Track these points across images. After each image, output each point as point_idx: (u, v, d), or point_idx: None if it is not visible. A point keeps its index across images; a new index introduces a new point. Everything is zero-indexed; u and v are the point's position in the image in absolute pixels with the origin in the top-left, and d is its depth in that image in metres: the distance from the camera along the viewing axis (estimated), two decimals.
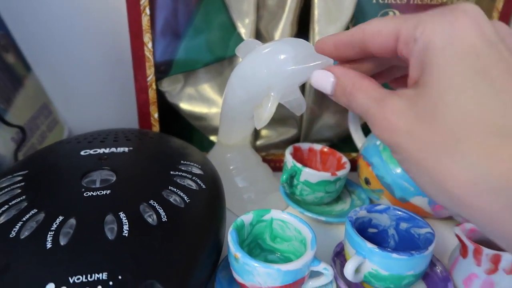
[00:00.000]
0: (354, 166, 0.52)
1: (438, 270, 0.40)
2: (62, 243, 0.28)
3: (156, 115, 0.53)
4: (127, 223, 0.30)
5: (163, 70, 0.53)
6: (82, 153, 0.39)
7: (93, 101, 0.68)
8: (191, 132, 0.58)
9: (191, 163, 0.40)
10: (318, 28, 0.52)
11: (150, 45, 0.49)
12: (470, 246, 0.36)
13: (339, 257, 0.41)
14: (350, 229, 0.36)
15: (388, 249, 0.34)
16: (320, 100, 0.57)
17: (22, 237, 0.29)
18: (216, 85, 0.56)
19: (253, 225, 0.38)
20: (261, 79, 0.40)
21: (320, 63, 0.39)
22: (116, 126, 0.50)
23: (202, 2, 0.51)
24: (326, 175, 0.45)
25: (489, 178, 0.19)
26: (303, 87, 0.56)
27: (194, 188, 0.37)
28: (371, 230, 0.41)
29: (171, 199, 0.34)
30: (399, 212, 0.40)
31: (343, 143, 0.61)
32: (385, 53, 0.25)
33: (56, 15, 0.60)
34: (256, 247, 0.39)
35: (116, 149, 0.40)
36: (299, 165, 0.46)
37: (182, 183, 0.37)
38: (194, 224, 0.34)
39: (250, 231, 0.38)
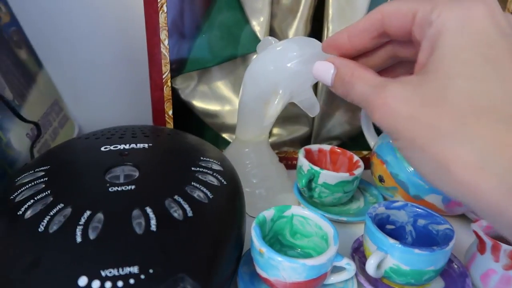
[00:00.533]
0: (365, 164, 0.52)
1: (455, 266, 0.40)
2: (91, 237, 0.28)
3: (170, 112, 0.53)
4: (154, 218, 0.30)
5: (176, 68, 0.53)
6: (102, 149, 0.39)
7: (102, 98, 0.68)
8: (204, 129, 0.59)
9: (210, 160, 0.40)
10: (332, 27, 0.53)
11: (166, 42, 0.49)
12: (488, 242, 0.37)
13: (357, 253, 0.41)
14: (371, 225, 0.36)
15: (410, 245, 0.34)
16: (331, 99, 0.58)
17: (51, 232, 0.29)
18: (230, 82, 0.56)
19: (274, 221, 0.38)
20: (268, 75, 0.41)
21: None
22: (126, 123, 0.50)
23: (216, 0, 0.51)
24: (344, 176, 0.46)
25: (496, 162, 0.19)
26: (315, 87, 0.57)
27: (216, 184, 0.37)
28: (389, 226, 0.41)
29: (194, 195, 0.34)
30: (417, 209, 0.40)
31: (354, 141, 0.61)
32: (402, 34, 0.25)
33: (67, 11, 0.60)
34: (276, 243, 0.40)
35: (136, 145, 0.40)
36: (316, 168, 0.46)
37: (204, 179, 0.37)
38: (218, 219, 0.34)
39: (271, 226, 0.38)
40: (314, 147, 0.52)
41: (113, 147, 0.40)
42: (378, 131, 0.55)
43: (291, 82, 0.40)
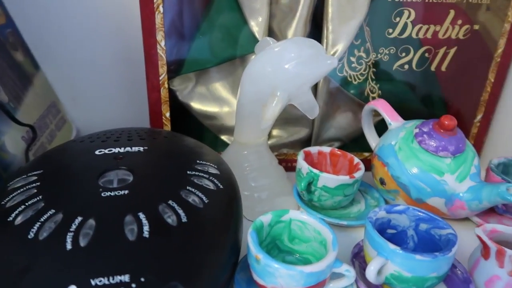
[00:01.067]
0: (366, 166, 0.52)
1: (459, 272, 0.39)
2: (82, 244, 0.28)
3: (167, 114, 0.53)
4: (147, 224, 0.30)
5: (174, 69, 0.52)
6: (96, 152, 0.39)
7: (101, 100, 0.67)
8: (202, 131, 0.58)
9: (207, 163, 0.40)
10: (331, 27, 0.52)
11: (163, 43, 0.48)
12: (493, 247, 0.36)
13: (357, 258, 0.40)
14: (372, 230, 0.35)
15: (411, 251, 0.33)
16: (332, 100, 0.57)
17: (41, 238, 0.28)
18: (228, 84, 0.55)
19: (272, 226, 0.37)
20: (266, 77, 0.40)
21: (328, 63, 0.39)
22: (124, 125, 0.49)
23: (214, 0, 0.50)
24: (344, 179, 0.45)
25: None
26: (315, 88, 0.56)
27: (212, 188, 0.36)
28: (390, 231, 0.40)
29: (189, 200, 0.33)
30: (419, 213, 0.39)
31: (355, 143, 0.60)
32: None
33: (64, 12, 0.60)
34: (274, 248, 0.39)
35: (131, 148, 0.40)
36: (316, 170, 0.45)
37: (200, 183, 0.36)
38: (213, 225, 0.33)
39: (269, 232, 0.37)
40: (313, 149, 0.51)
41: (108, 151, 0.39)
42: (380, 132, 0.54)
43: (289, 84, 0.39)
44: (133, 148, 0.40)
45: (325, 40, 0.52)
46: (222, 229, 0.34)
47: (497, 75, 0.56)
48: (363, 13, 0.51)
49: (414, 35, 0.53)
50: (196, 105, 0.56)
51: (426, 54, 0.54)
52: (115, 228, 0.29)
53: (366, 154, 0.60)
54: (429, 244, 0.39)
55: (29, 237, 0.28)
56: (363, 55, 0.54)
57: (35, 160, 0.40)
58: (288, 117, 0.58)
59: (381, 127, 0.53)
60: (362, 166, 0.48)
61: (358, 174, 0.46)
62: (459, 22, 0.53)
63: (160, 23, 0.47)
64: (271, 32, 0.53)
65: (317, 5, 0.52)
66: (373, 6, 0.51)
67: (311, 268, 0.31)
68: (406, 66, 0.55)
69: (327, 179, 0.44)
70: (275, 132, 0.60)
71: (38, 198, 0.32)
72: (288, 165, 0.59)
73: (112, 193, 0.32)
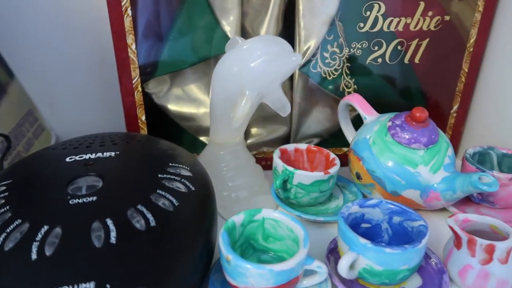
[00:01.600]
0: (345, 161, 0.52)
1: (433, 263, 0.39)
2: (47, 254, 0.28)
3: (143, 118, 0.52)
4: (114, 230, 0.30)
5: (148, 72, 0.52)
6: (67, 159, 0.38)
7: (79, 105, 0.67)
8: (180, 133, 0.58)
9: (179, 165, 0.39)
10: (303, 23, 0.52)
11: (133, 46, 0.48)
12: (464, 237, 0.36)
13: (333, 253, 0.40)
14: (343, 225, 0.36)
15: (381, 244, 0.34)
16: (308, 96, 0.57)
17: (6, 249, 0.28)
18: (203, 85, 0.55)
19: (245, 225, 0.37)
20: (234, 76, 0.40)
21: (293, 60, 0.39)
22: (104, 130, 0.49)
23: (185, 1, 0.50)
24: (319, 175, 0.45)
25: None
26: (291, 83, 0.56)
27: (183, 190, 0.36)
28: (364, 225, 0.40)
29: (159, 203, 0.33)
30: (392, 206, 0.40)
31: (334, 138, 0.60)
32: None
33: (36, 18, 0.59)
34: (249, 248, 0.39)
35: (103, 154, 0.40)
36: (290, 168, 0.45)
37: (171, 186, 0.36)
38: (183, 228, 0.33)
39: (242, 232, 0.37)
40: (290, 146, 0.51)
41: (79, 157, 0.39)
42: (356, 126, 0.54)
43: (257, 82, 0.39)
44: (105, 153, 0.40)
45: (297, 37, 0.53)
46: (193, 231, 0.34)
47: (471, 65, 0.57)
48: (334, 8, 0.51)
49: (385, 29, 0.53)
50: (172, 107, 0.56)
51: (399, 47, 0.54)
52: (82, 235, 0.29)
53: (345, 149, 0.60)
54: (403, 237, 0.39)
55: None
56: (337, 50, 0.54)
57: (5, 170, 0.39)
58: (266, 115, 0.58)
59: (359, 122, 0.53)
60: (337, 161, 0.48)
61: (333, 170, 0.46)
62: (430, 13, 0.53)
63: (130, 26, 0.47)
64: (244, 31, 0.53)
65: (289, 2, 0.52)
66: (343, 0, 0.51)
67: (281, 267, 0.31)
68: (380, 60, 0.55)
69: (302, 176, 0.45)
70: (254, 130, 0.60)
71: (5, 209, 0.32)
72: (268, 163, 0.59)
73: (80, 200, 0.32)
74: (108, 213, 0.31)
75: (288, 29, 0.53)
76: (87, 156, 0.39)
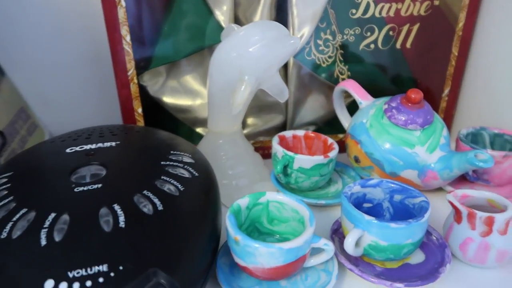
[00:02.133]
0: (341, 148, 0.52)
1: (435, 238, 0.40)
2: (57, 239, 0.27)
3: (140, 110, 0.52)
4: (122, 215, 0.30)
5: (143, 64, 0.52)
6: (67, 150, 0.38)
7: (72, 102, 0.66)
8: (177, 125, 0.58)
9: (181, 153, 0.40)
10: (296, 11, 0.52)
11: (128, 38, 0.48)
12: (464, 211, 0.37)
13: (337, 234, 0.41)
14: (347, 204, 0.36)
15: (386, 219, 0.34)
16: (303, 84, 0.57)
17: (14, 237, 0.28)
18: (199, 75, 0.55)
19: (250, 208, 0.38)
20: (232, 62, 0.40)
21: (291, 43, 0.39)
22: (98, 124, 0.48)
23: None
24: (319, 159, 0.45)
25: None
26: (285, 72, 0.56)
27: (187, 176, 0.36)
28: (366, 205, 0.41)
29: (164, 188, 0.33)
30: (392, 185, 0.40)
31: (329, 125, 0.61)
32: None
33: (26, 14, 0.58)
34: (254, 231, 0.39)
35: (103, 144, 0.39)
36: (290, 153, 0.45)
37: (174, 172, 0.36)
38: (190, 211, 0.33)
39: (247, 215, 0.38)
40: (288, 133, 0.51)
41: (79, 148, 0.39)
42: (351, 112, 0.55)
43: (256, 68, 0.39)
44: (105, 143, 0.40)
45: (290, 25, 0.53)
46: (199, 214, 0.34)
47: (460, 49, 0.58)
48: None
49: (377, 14, 0.54)
50: (168, 99, 0.56)
51: (391, 32, 0.55)
52: (90, 221, 0.29)
53: (341, 135, 0.61)
54: (404, 214, 0.40)
55: (2, 237, 0.28)
56: (330, 37, 0.54)
57: (4, 164, 0.39)
58: (261, 104, 0.58)
59: (353, 108, 0.54)
60: (336, 146, 0.49)
61: (332, 154, 0.46)
62: None
63: (124, 17, 0.47)
64: (237, 20, 0.53)
65: None
66: None
67: (289, 245, 0.31)
68: (372, 46, 0.56)
69: (302, 161, 0.45)
70: (249, 120, 0.60)
71: (9, 199, 0.31)
72: (265, 152, 0.59)
73: (85, 188, 0.32)
74: (114, 199, 0.31)
75: (281, 18, 0.53)
76: (87, 147, 0.39)
